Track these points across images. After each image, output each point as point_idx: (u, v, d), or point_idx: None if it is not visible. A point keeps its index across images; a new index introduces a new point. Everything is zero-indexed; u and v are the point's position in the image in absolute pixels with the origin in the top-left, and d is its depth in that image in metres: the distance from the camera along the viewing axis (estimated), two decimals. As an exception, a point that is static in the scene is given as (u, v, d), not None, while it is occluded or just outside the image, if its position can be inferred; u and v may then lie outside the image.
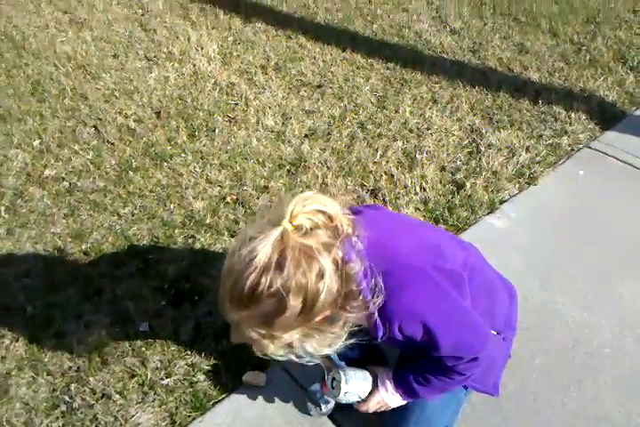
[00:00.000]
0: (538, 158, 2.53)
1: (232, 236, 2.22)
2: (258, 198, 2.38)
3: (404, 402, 1.40)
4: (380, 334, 1.14)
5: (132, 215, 2.32)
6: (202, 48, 3.44)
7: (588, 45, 3.26)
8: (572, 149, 2.60)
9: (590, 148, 2.58)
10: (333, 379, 1.40)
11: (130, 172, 2.52)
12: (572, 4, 3.71)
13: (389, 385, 1.38)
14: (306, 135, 2.75)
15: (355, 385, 1.38)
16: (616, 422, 1.66)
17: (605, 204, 2.33)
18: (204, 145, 2.70)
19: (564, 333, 1.87)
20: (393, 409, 1.43)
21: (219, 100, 3.01)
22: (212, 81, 3.15)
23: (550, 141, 2.63)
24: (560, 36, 3.36)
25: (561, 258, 2.10)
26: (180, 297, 1.99)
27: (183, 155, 2.64)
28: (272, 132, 2.79)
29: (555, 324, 1.90)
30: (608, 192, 2.39)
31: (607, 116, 2.75)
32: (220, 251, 2.15)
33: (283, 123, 2.84)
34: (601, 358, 1.80)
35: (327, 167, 2.55)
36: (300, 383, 1.73)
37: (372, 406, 1.41)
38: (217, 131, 2.78)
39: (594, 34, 3.37)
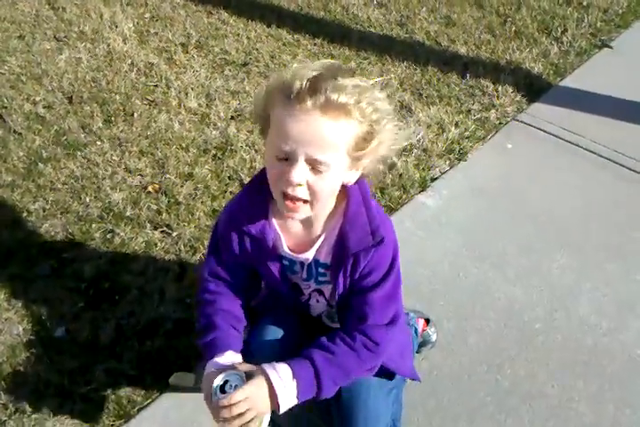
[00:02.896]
0: (467, 133, 2.50)
1: (155, 228, 2.10)
2: (182, 187, 2.26)
3: (287, 404, 1.12)
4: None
5: (44, 211, 2.15)
6: (116, 26, 3.21)
7: (513, 17, 3.24)
8: (500, 123, 2.58)
9: (517, 120, 2.57)
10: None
11: (40, 163, 2.34)
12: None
13: (284, 369, 1.12)
14: (232, 117, 2.62)
15: (230, 376, 1.11)
16: (550, 397, 1.67)
17: (533, 177, 2.33)
18: (122, 131, 2.53)
19: (497, 310, 1.87)
20: (337, 414, 1.32)
21: (136, 82, 2.83)
22: (129, 61, 2.95)
23: (479, 116, 2.60)
24: (486, 8, 3.33)
25: (493, 234, 2.09)
26: (100, 297, 1.86)
27: (99, 142, 2.47)
28: (195, 114, 2.65)
29: (487, 301, 1.89)
30: (536, 165, 2.39)
31: (533, 89, 2.75)
32: (143, 245, 2.02)
33: (207, 104, 2.70)
34: (533, 334, 1.81)
35: (255, 150, 2.44)
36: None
37: (241, 398, 1.06)
38: (135, 115, 2.62)
39: (518, 5, 3.35)
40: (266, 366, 1.12)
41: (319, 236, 1.19)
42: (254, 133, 2.51)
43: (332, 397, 1.21)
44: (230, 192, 2.24)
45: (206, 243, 1.99)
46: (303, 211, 1.08)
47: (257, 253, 1.22)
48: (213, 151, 2.44)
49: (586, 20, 3.22)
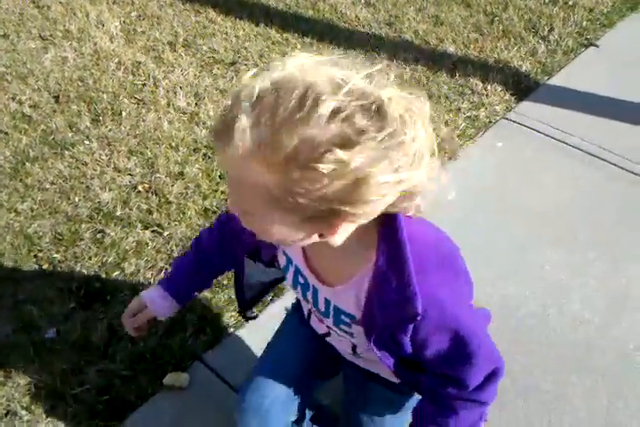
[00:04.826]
0: (457, 132, 2.51)
1: (146, 228, 2.08)
2: (172, 186, 2.24)
3: None
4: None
5: (32, 211, 2.12)
6: (102, 25, 3.18)
7: (501, 16, 3.26)
8: (490, 121, 2.60)
9: (507, 119, 2.58)
10: None
11: (27, 163, 2.30)
12: (483, -26, 3.69)
13: None
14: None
15: None
16: (545, 392, 1.68)
17: (524, 175, 2.34)
18: (110, 130, 2.51)
19: (491, 307, 1.87)
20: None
21: (124, 81, 2.80)
22: (116, 60, 2.93)
23: (468, 114, 2.61)
24: (473, 7, 3.35)
25: (485, 231, 2.10)
26: (91, 298, 1.84)
27: (87, 142, 2.44)
28: (185, 113, 2.63)
29: (481, 298, 1.89)
30: (525, 163, 2.40)
31: (522, 87, 2.76)
32: (134, 245, 2.00)
33: (196, 103, 2.68)
34: (527, 330, 1.82)
35: (245, 149, 2.42)
36: (226, 381, 1.64)
37: None
38: (124, 114, 2.59)
39: (505, 4, 3.37)
40: None
41: (349, 278, 0.89)
42: (244, 132, 2.49)
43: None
44: (222, 191, 2.22)
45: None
46: None
47: None
48: (204, 150, 2.42)
49: (572, 19, 3.24)
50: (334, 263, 0.91)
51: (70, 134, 2.48)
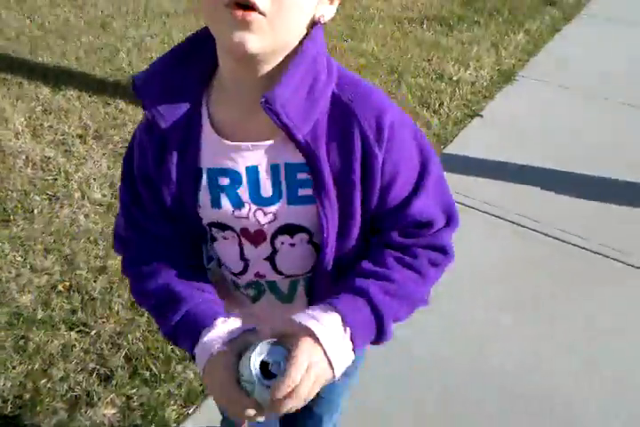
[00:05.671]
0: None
1: (70, 328, 2.00)
2: (95, 282, 2.18)
3: (343, 366, 0.78)
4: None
5: (-57, 324, 1.99)
6: (6, 121, 3.15)
7: (396, 93, 3.56)
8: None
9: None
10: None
11: None
12: (376, 57, 4.04)
13: (331, 319, 0.77)
14: (139, 205, 2.61)
15: (267, 350, 0.75)
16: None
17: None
18: (23, 230, 2.43)
19: (420, 361, 1.94)
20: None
21: (33, 178, 2.76)
22: (23, 157, 2.89)
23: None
24: (369, 87, 3.63)
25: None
26: (20, 409, 1.72)
27: (-1, 243, 2.36)
28: (101, 205, 2.61)
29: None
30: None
31: (423, 158, 3.00)
32: (60, 348, 1.92)
33: (112, 194, 2.67)
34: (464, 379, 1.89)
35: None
36: None
37: (301, 375, 0.72)
38: (36, 212, 2.53)
39: (398, 82, 3.69)
40: (303, 319, 0.77)
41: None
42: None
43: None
44: (148, 282, 2.20)
45: (129, 337, 1.94)
46: (258, 28, 0.71)
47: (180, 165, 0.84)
48: (125, 241, 2.40)
49: (457, 93, 3.60)
50: (253, 117, 0.81)
51: (-21, 238, 2.38)
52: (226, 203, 0.85)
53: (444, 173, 0.92)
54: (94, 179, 2.76)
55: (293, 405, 0.73)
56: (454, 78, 3.77)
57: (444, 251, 0.88)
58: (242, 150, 0.82)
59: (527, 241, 2.47)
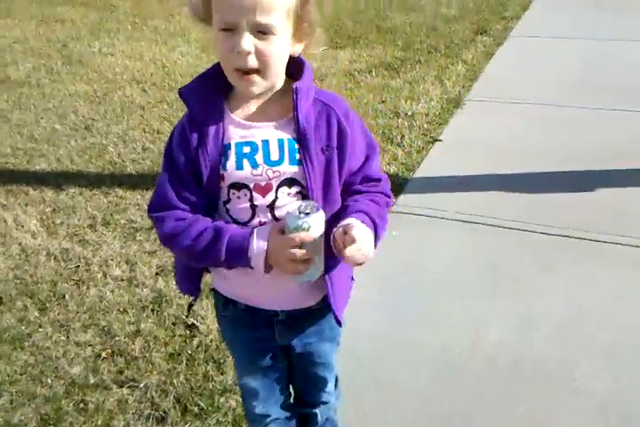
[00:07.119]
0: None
1: (121, 386, 2.25)
2: (133, 344, 2.45)
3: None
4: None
5: (11, 403, 2.23)
6: (22, 226, 3.49)
7: (359, 136, 3.94)
8: (382, 218, 3.09)
9: (392, 212, 3.10)
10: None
11: (-9, 364, 2.45)
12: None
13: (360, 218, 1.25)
14: (156, 273, 2.91)
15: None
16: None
17: (424, 252, 2.80)
18: (59, 313, 2.72)
19: (415, 357, 2.19)
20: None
21: (57, 269, 3.06)
22: (44, 253, 3.20)
23: (363, 217, 3.10)
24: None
25: (409, 294, 2.47)
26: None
27: (41, 329, 2.63)
28: (122, 280, 2.90)
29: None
30: (420, 242, 2.88)
31: (395, 185, 3.33)
32: (116, 404, 2.16)
33: (130, 269, 2.97)
34: (455, 361, 2.13)
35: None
36: None
37: (362, 233, 1.20)
38: (67, 297, 2.82)
39: (359, 126, 4.09)
40: (342, 222, 1.23)
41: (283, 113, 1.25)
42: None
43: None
44: (179, 335, 2.47)
45: (175, 382, 2.19)
46: (258, 82, 1.16)
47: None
48: (151, 306, 2.68)
49: (415, 125, 4.00)
50: (265, 106, 1.25)
51: (23, 327, 2.66)
52: (247, 165, 1.23)
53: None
54: (111, 259, 3.07)
55: (358, 254, 1.18)
56: (409, 113, 4.18)
57: (390, 196, 1.44)
58: (257, 128, 1.24)
59: (498, 236, 2.79)
